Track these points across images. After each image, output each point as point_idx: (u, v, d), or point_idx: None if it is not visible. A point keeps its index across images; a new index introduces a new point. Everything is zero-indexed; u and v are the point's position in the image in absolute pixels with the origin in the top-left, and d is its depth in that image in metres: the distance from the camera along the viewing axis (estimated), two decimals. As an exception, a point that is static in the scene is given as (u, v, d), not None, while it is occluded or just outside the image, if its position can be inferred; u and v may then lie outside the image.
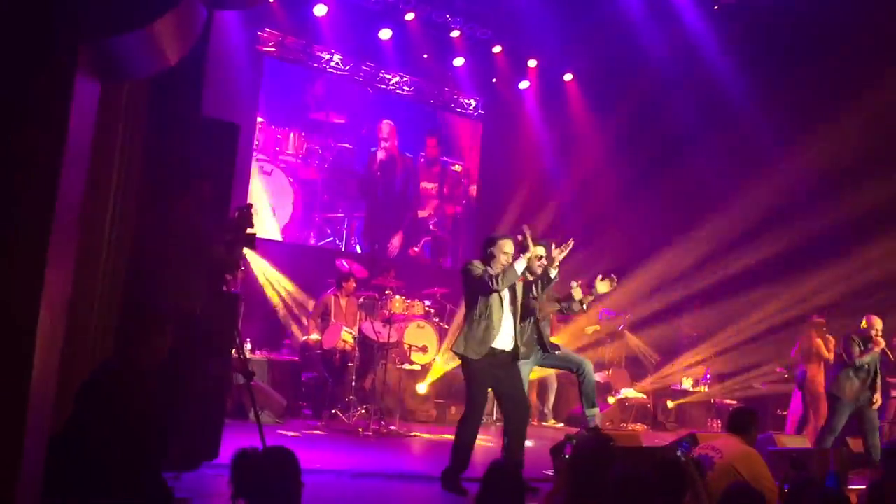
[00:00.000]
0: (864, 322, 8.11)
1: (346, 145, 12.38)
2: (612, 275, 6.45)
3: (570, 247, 6.21)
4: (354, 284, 9.18)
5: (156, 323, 3.89)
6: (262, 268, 10.55)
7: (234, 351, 5.77)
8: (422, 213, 13.21)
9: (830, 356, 9.28)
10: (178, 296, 4.67)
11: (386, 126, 12.78)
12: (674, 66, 11.98)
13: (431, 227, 13.32)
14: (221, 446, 5.68)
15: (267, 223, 11.20)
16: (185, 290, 4.82)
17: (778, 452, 7.05)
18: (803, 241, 10.96)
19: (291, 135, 11.84)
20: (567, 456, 4.65)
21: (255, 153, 11.28)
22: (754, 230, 11.60)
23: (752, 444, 4.99)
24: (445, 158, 13.49)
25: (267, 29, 11.28)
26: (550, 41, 12.51)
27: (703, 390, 11.26)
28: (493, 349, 5.79)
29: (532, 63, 13.17)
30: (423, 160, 13.28)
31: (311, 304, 9.93)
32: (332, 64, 12.08)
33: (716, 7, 11.46)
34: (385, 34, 11.99)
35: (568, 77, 13.47)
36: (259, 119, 11.44)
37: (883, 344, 7.98)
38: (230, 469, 3.06)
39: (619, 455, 4.64)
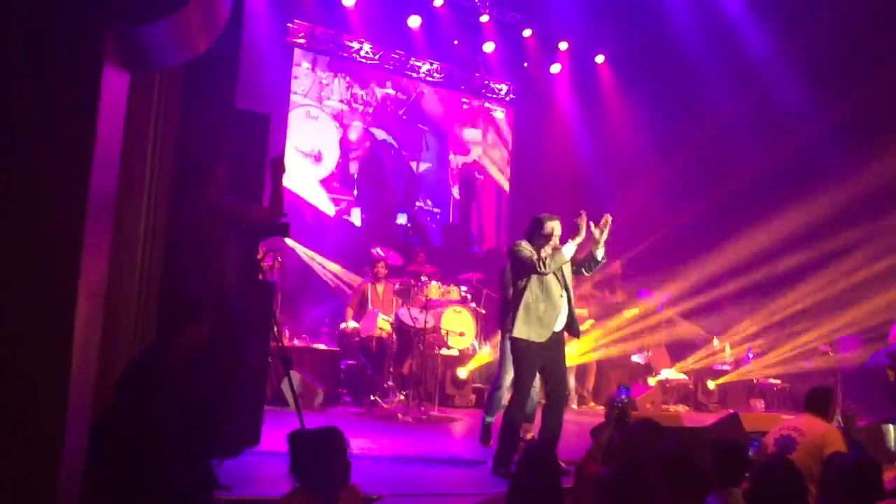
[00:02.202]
0: None
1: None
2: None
3: (609, 222, 5.98)
4: (385, 270, 9.18)
5: (191, 309, 3.92)
6: (308, 254, 10.71)
7: (271, 338, 5.82)
8: (465, 160, 13.26)
9: None
10: (214, 283, 4.71)
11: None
12: (707, 44, 11.80)
13: (477, 174, 13.30)
14: (262, 433, 5.76)
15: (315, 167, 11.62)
16: (220, 277, 4.86)
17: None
18: (843, 213, 10.72)
19: (336, 80, 12.05)
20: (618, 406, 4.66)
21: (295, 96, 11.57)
22: (790, 212, 11.40)
23: (830, 421, 4.94)
24: (488, 105, 13.52)
25: (296, 20, 11.32)
26: (580, 23, 12.41)
27: (745, 370, 11.10)
28: (554, 331, 5.77)
29: (563, 46, 13.07)
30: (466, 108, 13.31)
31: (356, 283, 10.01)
32: (363, 53, 12.10)
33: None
34: (414, 21, 11.98)
35: (600, 59, 13.33)
36: (305, 64, 11.68)
37: None
38: (288, 449, 3.22)
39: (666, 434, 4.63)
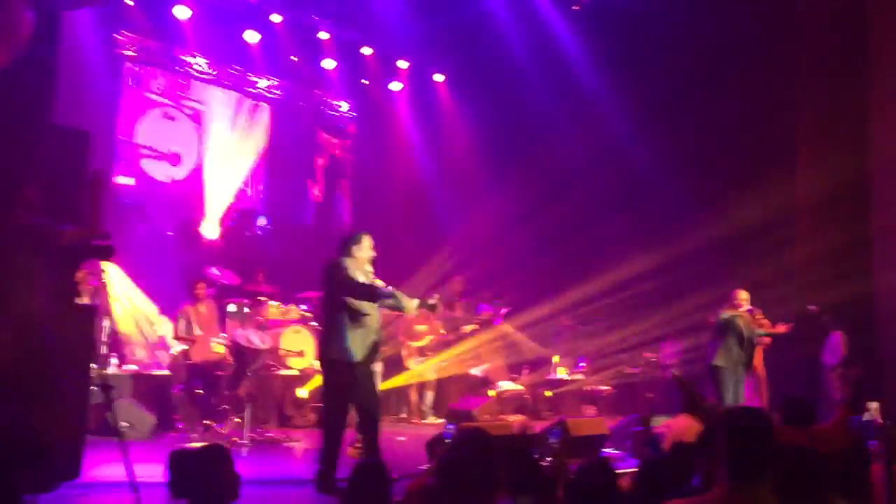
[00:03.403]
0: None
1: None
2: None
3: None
4: (205, 290, 8.87)
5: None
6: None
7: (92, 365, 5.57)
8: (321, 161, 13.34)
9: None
10: (15, 310, 4.47)
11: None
12: (541, 69, 12.35)
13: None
14: (83, 465, 5.48)
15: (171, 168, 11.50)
16: (26, 303, 4.61)
17: (644, 432, 7.40)
18: (675, 241, 11.52)
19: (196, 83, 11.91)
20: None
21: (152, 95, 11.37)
22: (623, 226, 12.14)
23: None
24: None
25: (124, 32, 10.88)
26: (419, 42, 12.63)
27: (577, 378, 11.62)
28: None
29: (403, 64, 13.24)
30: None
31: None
32: (197, 68, 11.79)
33: (575, 7, 11.84)
34: (252, 37, 11.79)
35: (439, 78, 13.62)
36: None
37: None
38: (168, 471, 3.22)
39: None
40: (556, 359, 11.74)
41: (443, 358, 10.41)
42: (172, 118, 11.70)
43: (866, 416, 8.41)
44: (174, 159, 11.65)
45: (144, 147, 11.28)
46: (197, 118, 11.95)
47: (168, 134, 11.58)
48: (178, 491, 3.20)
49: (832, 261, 10.58)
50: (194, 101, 11.91)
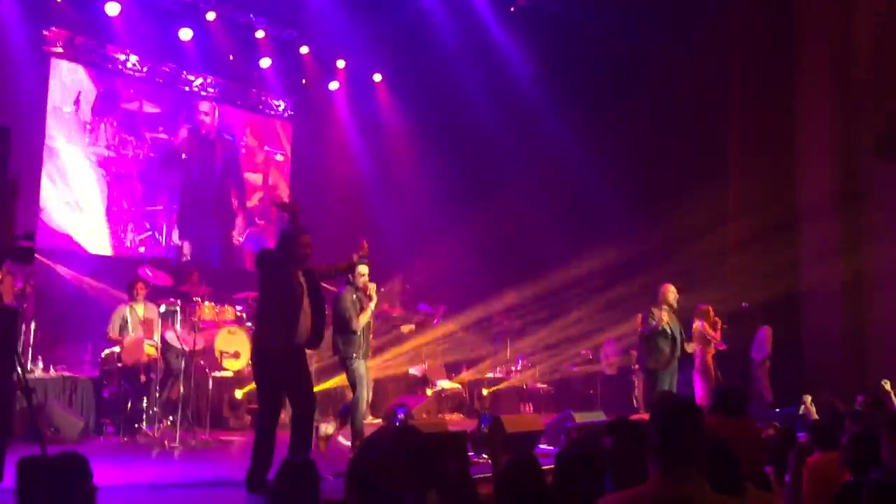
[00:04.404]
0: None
1: (162, 135, 11.95)
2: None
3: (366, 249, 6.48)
4: (145, 291, 8.73)
5: None
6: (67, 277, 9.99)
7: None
8: (249, 204, 12.99)
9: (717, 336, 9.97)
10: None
11: (206, 104, 12.47)
12: (475, 63, 12.42)
13: (257, 219, 13.07)
14: (5, 470, 5.32)
15: (79, 223, 10.88)
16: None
17: (576, 427, 7.50)
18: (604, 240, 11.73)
19: (102, 125, 11.30)
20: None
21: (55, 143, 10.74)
22: (560, 231, 12.30)
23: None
24: (268, 147, 13.28)
25: (53, 28, 10.60)
26: (357, 42, 12.58)
27: (515, 377, 11.71)
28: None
29: (341, 64, 13.17)
30: (243, 150, 12.99)
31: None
32: (129, 65, 11.55)
33: (512, 9, 11.95)
34: (185, 34, 11.58)
35: (377, 77, 13.59)
36: (66, 109, 10.86)
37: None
38: (16, 480, 2.94)
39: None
40: (497, 358, 11.81)
41: (381, 357, 10.38)
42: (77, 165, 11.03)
43: (801, 410, 8.63)
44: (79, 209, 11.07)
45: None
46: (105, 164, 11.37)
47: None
48: (25, 501, 2.91)
49: (762, 258, 10.92)
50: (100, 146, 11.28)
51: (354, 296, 7.35)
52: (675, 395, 5.46)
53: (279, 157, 13.45)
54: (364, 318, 7.32)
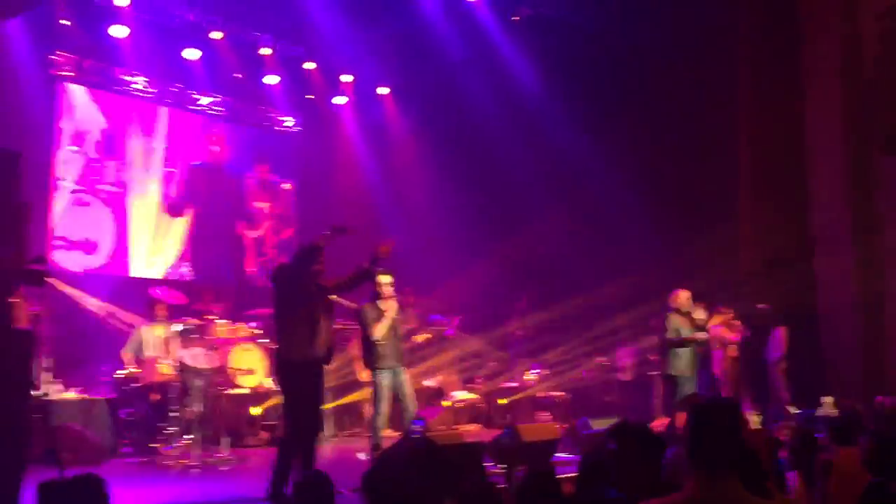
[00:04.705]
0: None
1: (173, 169, 12.03)
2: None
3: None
4: (165, 312, 8.80)
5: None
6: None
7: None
8: (253, 234, 12.97)
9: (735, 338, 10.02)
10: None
11: (215, 135, 12.55)
12: (480, 74, 12.44)
13: (265, 249, 13.12)
14: (23, 494, 5.33)
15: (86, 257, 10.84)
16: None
17: (593, 434, 7.46)
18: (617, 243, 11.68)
19: (111, 164, 11.37)
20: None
21: (64, 182, 10.76)
22: (569, 238, 12.26)
23: None
24: (276, 179, 13.33)
25: (59, 52, 10.69)
26: (363, 56, 12.63)
27: (532, 385, 11.67)
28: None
29: (347, 78, 13.22)
30: (252, 182, 13.06)
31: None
32: (138, 87, 11.63)
33: (515, 18, 11.95)
34: (192, 54, 11.66)
35: (384, 91, 13.63)
36: (72, 148, 10.89)
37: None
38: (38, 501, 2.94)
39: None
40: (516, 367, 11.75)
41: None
42: (87, 204, 11.13)
43: (820, 412, 8.58)
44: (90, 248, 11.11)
45: (56, 238, 10.69)
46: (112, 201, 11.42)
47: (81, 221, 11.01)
48: None
49: (776, 261, 10.86)
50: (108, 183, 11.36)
51: (376, 306, 7.32)
52: (713, 399, 5.45)
53: (286, 187, 13.48)
54: (383, 328, 7.20)
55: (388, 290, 7.28)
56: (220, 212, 12.55)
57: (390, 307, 7.27)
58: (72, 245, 10.89)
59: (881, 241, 10.46)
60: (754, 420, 8.59)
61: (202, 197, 12.35)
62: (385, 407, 7.22)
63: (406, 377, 7.37)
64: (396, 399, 7.32)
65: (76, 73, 10.98)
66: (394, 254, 6.66)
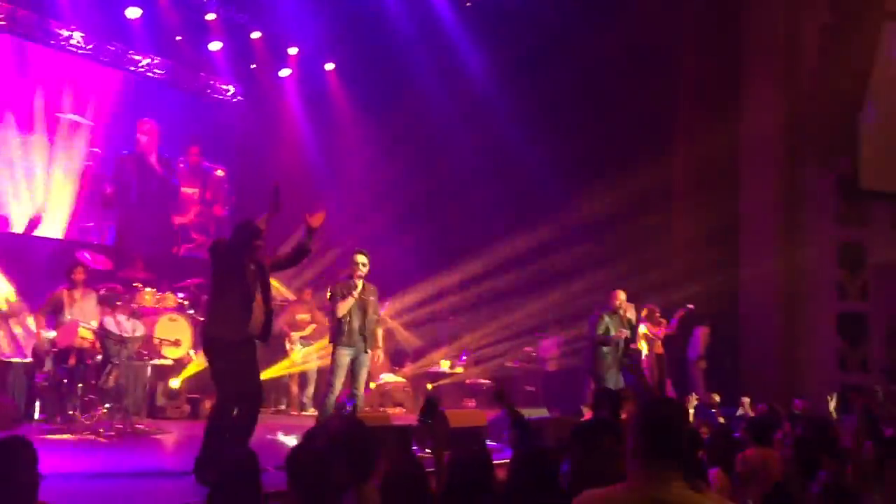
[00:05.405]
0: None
1: (96, 149, 11.61)
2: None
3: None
4: (84, 276, 8.49)
5: None
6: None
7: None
8: (181, 220, 12.69)
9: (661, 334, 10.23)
10: None
11: (146, 124, 12.12)
12: (428, 55, 12.38)
13: (193, 234, 12.84)
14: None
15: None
16: None
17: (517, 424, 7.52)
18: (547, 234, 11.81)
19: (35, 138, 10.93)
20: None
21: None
22: (506, 225, 12.35)
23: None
24: (208, 164, 13.05)
25: (-5, -1, 10.23)
26: (310, 29, 12.41)
27: (459, 371, 11.73)
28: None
29: (293, 51, 12.98)
30: (183, 166, 12.77)
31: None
32: (73, 42, 11.19)
33: (468, 3, 11.93)
34: (133, 13, 11.26)
35: (330, 66, 13.43)
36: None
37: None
38: None
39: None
40: (442, 354, 11.79)
41: (323, 348, 10.28)
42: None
43: (740, 411, 8.84)
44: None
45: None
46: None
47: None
48: None
49: (702, 256, 11.15)
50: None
51: (346, 284, 7.24)
52: (660, 397, 5.63)
53: (219, 173, 13.21)
54: (345, 306, 7.12)
55: (360, 269, 7.18)
56: (149, 202, 12.26)
57: (357, 287, 7.18)
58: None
59: (803, 248, 10.85)
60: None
61: (133, 188, 12.03)
62: (339, 384, 7.15)
63: (366, 362, 7.30)
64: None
65: (9, 23, 10.50)
66: (326, 225, 6.52)
